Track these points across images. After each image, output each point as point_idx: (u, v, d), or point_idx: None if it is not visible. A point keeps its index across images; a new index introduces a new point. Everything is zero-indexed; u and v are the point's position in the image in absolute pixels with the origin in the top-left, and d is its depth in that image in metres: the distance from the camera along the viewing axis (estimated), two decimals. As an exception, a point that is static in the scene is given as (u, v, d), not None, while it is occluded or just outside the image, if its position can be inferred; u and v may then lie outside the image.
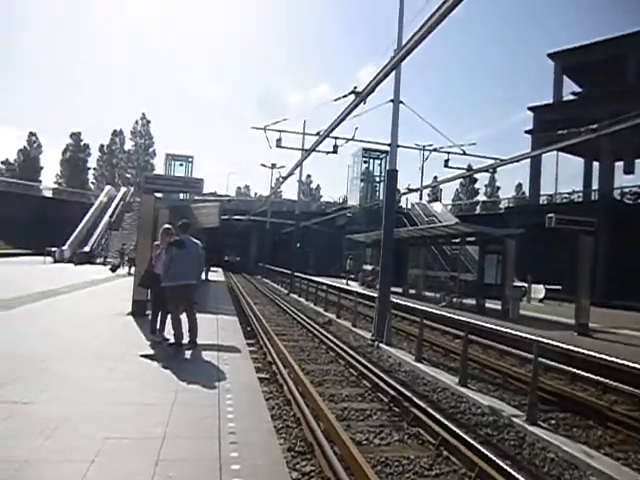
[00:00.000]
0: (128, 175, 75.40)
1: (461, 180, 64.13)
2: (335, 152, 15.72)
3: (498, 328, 8.68)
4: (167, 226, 8.66)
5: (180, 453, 3.83)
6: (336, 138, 15.01)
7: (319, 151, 15.54)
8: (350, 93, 9.75)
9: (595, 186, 36.60)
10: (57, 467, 3.45)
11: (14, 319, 9.19)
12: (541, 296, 26.42)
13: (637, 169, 37.31)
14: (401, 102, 12.39)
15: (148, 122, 76.56)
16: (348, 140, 15.25)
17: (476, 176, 60.32)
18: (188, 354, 7.41)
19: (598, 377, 8.64)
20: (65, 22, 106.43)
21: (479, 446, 5.42)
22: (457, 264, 25.05)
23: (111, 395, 5.10)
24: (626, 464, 5.62)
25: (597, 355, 7.62)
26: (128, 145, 77.16)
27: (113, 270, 25.51)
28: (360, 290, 20.98)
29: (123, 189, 48.05)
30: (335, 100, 11.34)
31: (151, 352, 7.28)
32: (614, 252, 27.14)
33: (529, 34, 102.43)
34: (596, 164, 36.76)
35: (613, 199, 31.47)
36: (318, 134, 14.47)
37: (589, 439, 6.45)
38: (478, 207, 56.66)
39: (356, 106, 9.40)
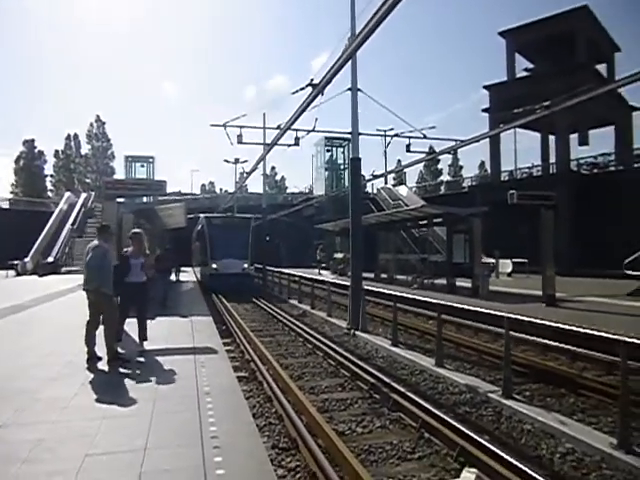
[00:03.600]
0: (88, 180, 73.32)
1: (424, 162, 64.76)
2: (297, 144, 15.67)
3: (469, 307, 8.87)
4: (135, 231, 8.47)
5: (163, 464, 3.80)
6: (297, 130, 14.97)
7: (281, 144, 15.47)
8: (307, 85, 9.72)
9: (553, 159, 37.61)
10: (36, 491, 3.38)
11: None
12: (509, 270, 27.10)
13: (591, 140, 38.42)
14: (359, 90, 12.43)
15: (103, 124, 74.37)
16: (309, 132, 15.25)
17: (439, 157, 61.07)
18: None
19: (566, 345, 9.06)
20: (12, 23, 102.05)
21: (458, 425, 5.56)
22: (426, 246, 25.44)
23: (87, 411, 5.01)
24: (597, 428, 5.86)
25: (562, 326, 7.91)
26: (85, 149, 75.02)
27: None
28: (332, 279, 21.08)
29: (83, 195, 46.55)
30: (293, 93, 11.31)
31: (125, 362, 7.16)
32: (575, 222, 27.99)
33: (484, 12, 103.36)
34: (552, 137, 37.74)
35: (570, 171, 32.37)
36: (279, 127, 14.39)
37: (562, 407, 6.69)
38: (443, 187, 57.61)
39: (314, 98, 9.37)
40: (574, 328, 7.89)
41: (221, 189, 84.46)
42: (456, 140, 17.16)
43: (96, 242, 7.10)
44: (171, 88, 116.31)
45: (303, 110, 10.09)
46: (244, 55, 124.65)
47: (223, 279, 20.73)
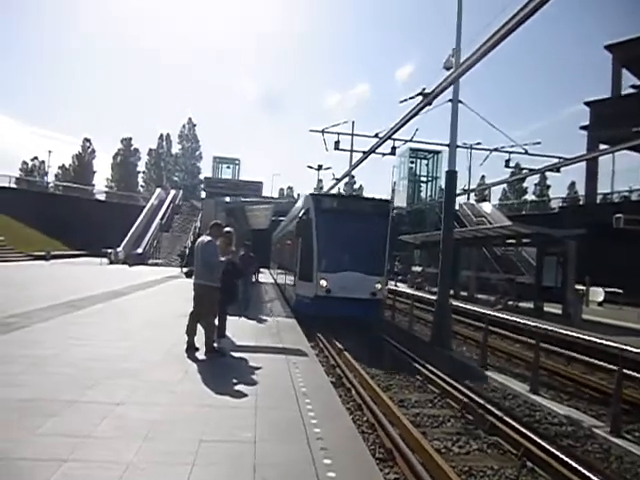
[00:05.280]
0: (175, 178, 77.33)
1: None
2: (393, 154, 15.59)
3: (576, 335, 8.33)
4: (227, 229, 8.46)
5: (274, 458, 3.83)
6: (395, 140, 14.90)
7: (378, 153, 15.47)
8: (418, 94, 9.63)
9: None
10: (162, 469, 3.51)
11: (87, 318, 9.51)
12: (600, 299, 25.36)
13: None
14: (460, 102, 12.14)
15: (194, 126, 78.38)
16: (406, 141, 15.11)
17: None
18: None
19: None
20: (111, 32, 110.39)
21: (566, 458, 5.22)
22: (510, 266, 24.39)
23: (194, 398, 5.17)
24: None
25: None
26: (175, 149, 79.32)
27: (189, 275, 24.83)
28: (409, 291, 20.72)
29: (173, 192, 49.13)
30: (401, 102, 11.25)
31: (222, 355, 7.38)
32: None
33: (585, 26, 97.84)
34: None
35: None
36: (376, 136, 14.41)
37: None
38: (527, 206, 55.10)
39: (423, 107, 9.26)
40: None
41: (299, 194, 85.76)
42: (559, 157, 16.34)
43: (207, 238, 7.37)
44: (253, 91, 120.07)
45: (410, 118, 10.00)
46: (327, 62, 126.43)
47: (335, 306, 12.28)
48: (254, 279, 23.37)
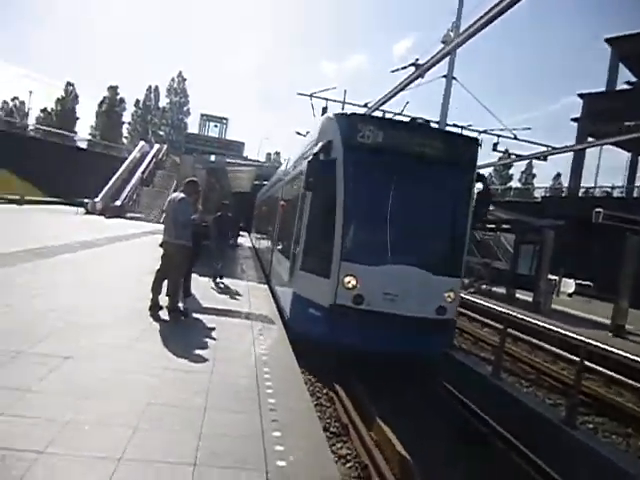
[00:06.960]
0: (161, 132, 75.59)
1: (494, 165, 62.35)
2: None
3: (541, 323, 8.38)
4: (191, 178, 7.96)
5: (222, 428, 3.71)
6: (384, 112, 14.49)
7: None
8: (410, 65, 9.33)
9: (638, 182, 35.38)
10: (100, 430, 3.35)
11: (51, 268, 9.20)
12: (570, 291, 25.79)
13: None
14: (454, 78, 11.87)
15: (184, 80, 76.25)
16: (396, 114, 14.74)
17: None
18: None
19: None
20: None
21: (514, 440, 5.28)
22: (488, 250, 24.55)
23: (148, 358, 4.99)
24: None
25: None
26: (163, 102, 77.25)
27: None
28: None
29: (157, 146, 47.79)
30: (392, 71, 10.93)
31: (184, 315, 7.21)
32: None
33: (585, 18, 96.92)
34: (642, 159, 35.35)
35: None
36: (366, 105, 14.03)
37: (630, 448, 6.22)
38: (511, 193, 55.46)
39: (415, 79, 8.96)
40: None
41: (286, 160, 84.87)
42: (547, 145, 16.24)
43: (180, 195, 7.08)
44: (251, 55, 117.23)
45: (400, 89, 9.66)
46: (324, 32, 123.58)
47: (372, 330, 6.88)
48: (232, 242, 23.08)
